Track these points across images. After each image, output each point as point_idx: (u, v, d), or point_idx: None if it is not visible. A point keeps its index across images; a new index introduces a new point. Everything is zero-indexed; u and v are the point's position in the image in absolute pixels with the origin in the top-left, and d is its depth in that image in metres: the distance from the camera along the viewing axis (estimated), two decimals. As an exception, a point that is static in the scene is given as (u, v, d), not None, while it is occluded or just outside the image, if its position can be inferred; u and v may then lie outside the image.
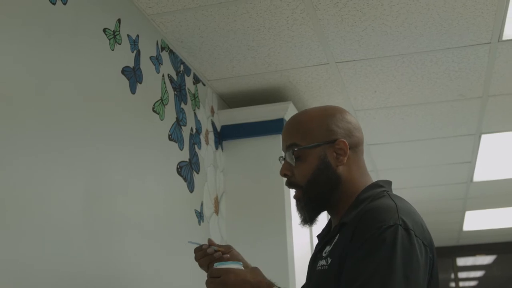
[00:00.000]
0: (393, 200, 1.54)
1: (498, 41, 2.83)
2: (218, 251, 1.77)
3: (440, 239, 8.43)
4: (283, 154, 1.72)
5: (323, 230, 1.76)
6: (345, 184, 1.64)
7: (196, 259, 1.80)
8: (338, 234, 1.56)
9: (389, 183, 1.70)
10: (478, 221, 7.35)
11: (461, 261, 9.80)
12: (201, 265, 1.80)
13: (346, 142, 1.63)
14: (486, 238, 8.67)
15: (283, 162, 1.71)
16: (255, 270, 1.61)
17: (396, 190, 1.70)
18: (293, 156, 1.66)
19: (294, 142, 1.66)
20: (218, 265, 1.60)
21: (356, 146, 1.67)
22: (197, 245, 1.80)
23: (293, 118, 1.74)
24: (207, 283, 1.59)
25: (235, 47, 2.74)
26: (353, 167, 1.66)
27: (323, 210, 1.70)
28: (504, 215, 7.10)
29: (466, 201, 6.25)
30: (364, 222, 1.46)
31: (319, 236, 1.76)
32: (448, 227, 7.71)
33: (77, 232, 1.82)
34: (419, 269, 1.41)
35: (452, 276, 9.63)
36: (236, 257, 1.81)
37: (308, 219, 1.68)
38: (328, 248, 1.57)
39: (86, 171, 1.90)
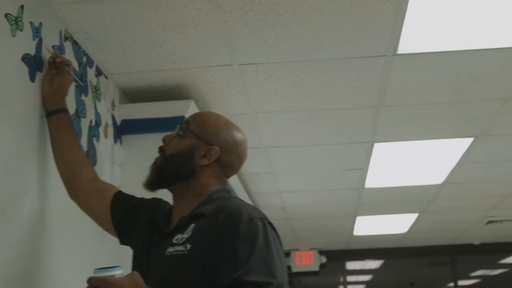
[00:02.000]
0: (245, 202, 1.81)
1: (394, 55, 2.97)
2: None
3: (331, 242, 8.66)
4: None
5: (160, 211, 1.90)
6: (198, 182, 1.82)
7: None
8: (193, 224, 1.70)
9: (232, 191, 2.00)
10: (368, 226, 7.60)
11: (351, 265, 10.08)
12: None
13: (219, 154, 1.82)
14: (375, 243, 8.95)
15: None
16: (133, 276, 1.58)
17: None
18: (179, 131, 1.86)
19: (189, 124, 1.87)
20: (97, 272, 1.56)
21: (225, 165, 1.86)
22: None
23: (205, 112, 2.03)
24: None
25: (140, 42, 2.74)
26: (212, 176, 1.84)
27: (166, 187, 1.87)
28: (393, 222, 7.37)
29: (357, 207, 6.45)
30: (233, 217, 1.65)
31: (153, 211, 1.91)
32: (339, 231, 7.92)
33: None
34: (283, 254, 1.67)
35: (341, 279, 9.89)
36: None
37: (152, 184, 1.87)
38: (181, 236, 1.69)
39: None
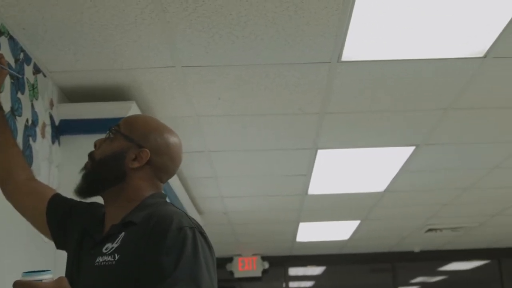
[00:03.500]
0: (179, 209, 1.73)
1: (338, 62, 2.98)
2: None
3: (274, 248, 8.66)
4: None
5: (92, 216, 1.83)
6: (130, 186, 1.75)
7: None
8: (124, 233, 1.64)
9: (166, 196, 1.86)
10: (311, 232, 7.61)
11: (293, 271, 10.09)
12: None
13: (149, 155, 1.76)
14: (317, 249, 8.99)
15: None
16: (61, 282, 1.52)
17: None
18: (109, 134, 1.80)
19: (119, 127, 1.80)
20: (26, 276, 1.50)
21: (158, 168, 1.79)
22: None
23: (137, 115, 1.95)
24: None
25: (80, 40, 2.68)
26: (144, 180, 1.77)
27: (98, 194, 1.79)
28: (335, 228, 7.41)
29: (300, 213, 6.45)
30: (162, 223, 1.59)
31: (86, 215, 1.85)
32: (282, 237, 7.93)
33: None
34: (214, 265, 1.60)
35: (284, 285, 9.89)
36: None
37: (82, 190, 1.79)
38: (110, 245, 1.64)
39: None
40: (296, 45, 2.80)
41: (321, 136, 4.06)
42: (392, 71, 3.12)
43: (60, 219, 1.93)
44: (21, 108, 2.63)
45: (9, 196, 2.07)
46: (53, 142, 3.04)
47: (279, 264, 9.33)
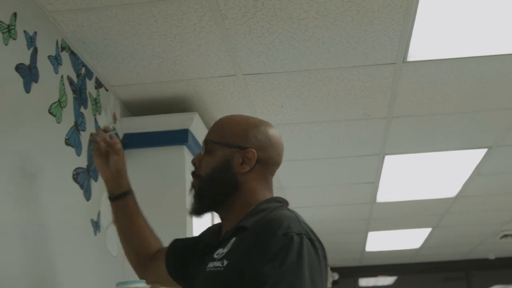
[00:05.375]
0: (293, 213, 1.62)
1: (403, 62, 2.88)
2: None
3: (343, 259, 8.55)
4: None
5: (209, 233, 1.79)
6: (244, 192, 1.68)
7: (93, 148, 1.92)
8: (235, 238, 1.59)
9: (286, 201, 1.77)
10: (380, 242, 7.49)
11: (363, 282, 9.96)
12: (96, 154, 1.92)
13: (256, 154, 1.67)
14: (387, 259, 8.85)
15: None
16: None
17: (300, 208, 1.76)
18: (205, 148, 1.72)
19: (211, 137, 1.74)
20: (120, 286, 1.53)
21: (266, 163, 1.71)
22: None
23: (221, 118, 1.81)
24: None
25: (140, 53, 2.66)
26: (255, 181, 1.70)
27: (214, 209, 1.73)
28: (405, 237, 7.27)
29: (369, 222, 6.35)
30: (269, 228, 1.51)
31: (203, 238, 1.80)
32: (351, 248, 7.83)
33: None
34: (322, 275, 1.50)
35: (354, 296, 9.78)
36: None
37: (197, 210, 1.73)
38: (221, 250, 1.59)
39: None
40: (359, 47, 2.71)
41: (388, 142, 3.94)
42: (461, 69, 2.98)
43: (180, 267, 1.87)
44: (85, 123, 2.63)
45: (143, 277, 1.96)
46: (117, 157, 3.03)
47: (349, 275, 9.23)
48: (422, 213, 6.10)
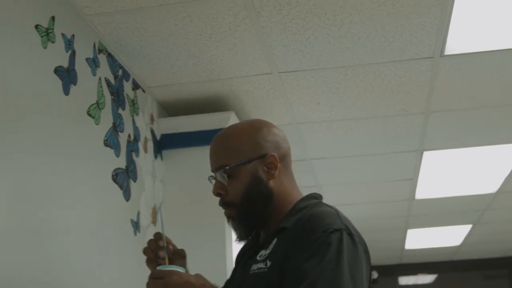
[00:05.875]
0: (332, 208, 1.61)
1: (440, 56, 2.84)
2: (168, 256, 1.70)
3: (382, 257, 8.47)
4: (212, 173, 1.70)
5: (249, 241, 1.75)
6: (278, 197, 1.66)
7: (145, 252, 1.73)
8: (276, 239, 1.57)
9: (321, 196, 1.74)
10: (420, 239, 7.41)
11: (403, 280, 9.87)
12: (148, 260, 1.73)
13: (276, 155, 1.65)
14: (427, 257, 8.75)
15: (213, 181, 1.70)
16: (199, 275, 1.56)
17: (338, 206, 1.74)
18: (225, 175, 1.65)
19: (224, 161, 1.65)
20: (160, 268, 1.55)
21: (284, 158, 1.70)
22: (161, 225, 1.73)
23: (221, 136, 1.72)
24: (148, 284, 1.52)
25: (176, 53, 2.68)
26: (284, 180, 1.69)
27: (259, 225, 1.69)
28: (445, 234, 7.17)
29: (408, 219, 6.28)
30: (309, 226, 1.50)
31: (245, 247, 1.77)
32: (390, 245, 7.75)
33: (1, 238, 1.71)
34: (363, 271, 1.49)
35: (394, 295, 9.70)
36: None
37: (244, 235, 1.69)
38: (264, 252, 1.57)
39: (13, 175, 1.80)
40: (395, 42, 2.69)
41: (426, 137, 3.90)
42: (499, 61, 2.93)
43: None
44: (123, 124, 2.66)
45: None
46: (155, 157, 3.06)
47: (389, 273, 9.13)
48: (462, 210, 6.01)
